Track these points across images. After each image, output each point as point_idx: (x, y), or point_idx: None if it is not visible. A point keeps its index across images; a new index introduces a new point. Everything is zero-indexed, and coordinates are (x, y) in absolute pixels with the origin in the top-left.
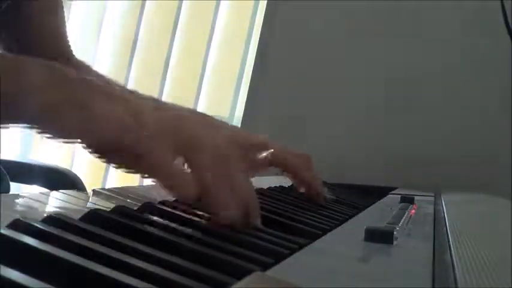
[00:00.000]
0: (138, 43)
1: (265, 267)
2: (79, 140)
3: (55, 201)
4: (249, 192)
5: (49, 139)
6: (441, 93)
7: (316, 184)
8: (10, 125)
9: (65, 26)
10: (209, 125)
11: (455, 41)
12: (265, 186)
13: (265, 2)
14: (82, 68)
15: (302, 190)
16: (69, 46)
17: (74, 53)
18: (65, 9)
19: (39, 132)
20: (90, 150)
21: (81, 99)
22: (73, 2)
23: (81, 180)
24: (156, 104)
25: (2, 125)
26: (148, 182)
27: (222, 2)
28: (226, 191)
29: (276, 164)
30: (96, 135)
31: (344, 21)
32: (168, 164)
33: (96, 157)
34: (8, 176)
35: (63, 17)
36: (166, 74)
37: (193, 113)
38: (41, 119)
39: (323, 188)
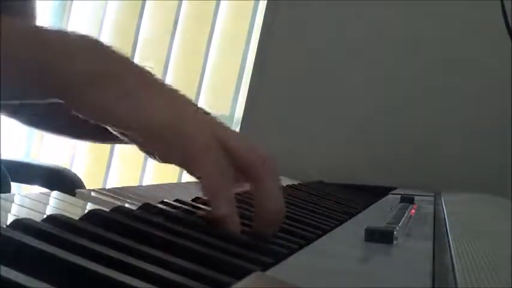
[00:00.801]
0: (138, 43)
1: (265, 267)
2: (105, 120)
3: (55, 201)
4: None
5: (73, 118)
6: (441, 93)
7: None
8: (39, 97)
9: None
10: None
11: (455, 41)
12: None
13: (265, 2)
14: None
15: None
16: None
17: None
18: (65, 9)
19: (65, 108)
20: (116, 132)
21: (123, 79)
22: (73, 2)
23: (81, 180)
24: (196, 108)
25: (32, 98)
26: (148, 182)
27: (222, 2)
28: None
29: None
30: (148, 127)
31: (344, 21)
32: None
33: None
34: (9, 177)
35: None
36: (166, 74)
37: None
38: (71, 92)
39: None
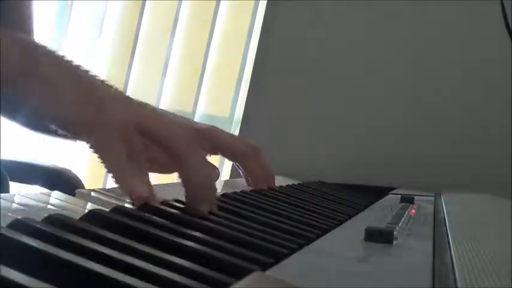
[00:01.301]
0: (138, 43)
1: (265, 267)
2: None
3: (55, 201)
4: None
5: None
6: (441, 92)
7: (264, 176)
8: None
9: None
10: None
11: (455, 41)
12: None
13: (265, 1)
14: None
15: (249, 184)
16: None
17: None
18: (66, 9)
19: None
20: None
21: (48, 76)
22: (74, 2)
23: (81, 180)
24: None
25: None
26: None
27: (222, 2)
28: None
29: (219, 149)
30: (62, 120)
31: (344, 21)
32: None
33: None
34: (7, 177)
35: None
36: (166, 75)
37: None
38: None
39: (272, 182)
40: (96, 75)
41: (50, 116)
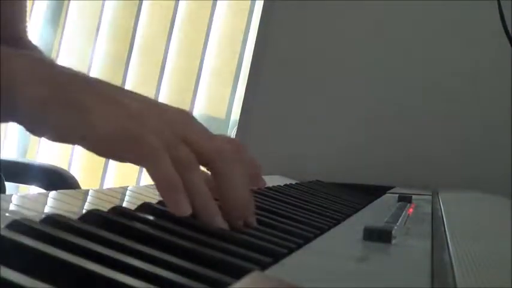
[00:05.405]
0: (135, 44)
1: (264, 266)
2: (73, 140)
3: (53, 201)
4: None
5: (46, 139)
6: (440, 92)
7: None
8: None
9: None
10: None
11: (454, 41)
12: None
13: (262, 1)
14: (34, 50)
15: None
16: (25, 28)
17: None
18: (62, 10)
19: (31, 131)
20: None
21: (74, 96)
22: (70, 3)
23: (77, 180)
24: (152, 107)
25: None
26: (146, 182)
27: (218, 2)
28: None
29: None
30: (95, 138)
31: (342, 21)
32: (171, 177)
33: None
34: (3, 177)
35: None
36: (163, 75)
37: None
38: (30, 117)
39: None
40: (122, 88)
41: (79, 135)
